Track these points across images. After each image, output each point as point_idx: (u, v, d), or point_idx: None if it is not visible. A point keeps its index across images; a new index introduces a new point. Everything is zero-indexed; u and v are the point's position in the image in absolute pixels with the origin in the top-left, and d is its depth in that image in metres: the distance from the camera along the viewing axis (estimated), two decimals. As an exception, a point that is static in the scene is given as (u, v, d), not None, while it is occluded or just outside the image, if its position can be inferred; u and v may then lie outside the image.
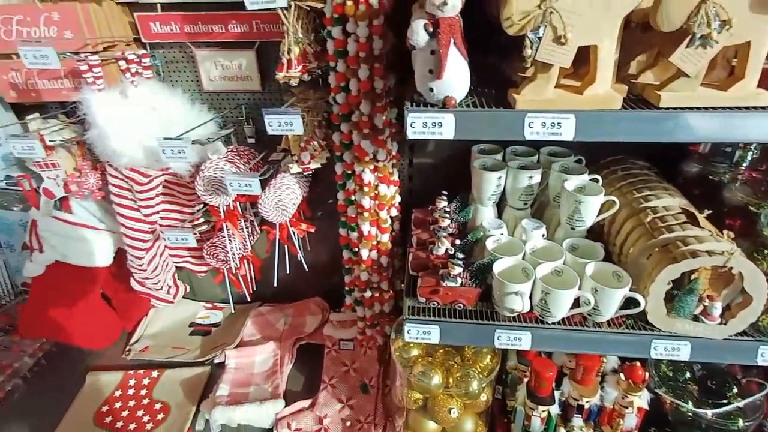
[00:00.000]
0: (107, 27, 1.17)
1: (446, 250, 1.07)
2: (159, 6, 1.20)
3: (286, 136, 1.19)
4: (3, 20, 1.12)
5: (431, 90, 0.75)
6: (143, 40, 1.24)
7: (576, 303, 0.93)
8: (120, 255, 1.41)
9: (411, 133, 0.75)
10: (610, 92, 0.74)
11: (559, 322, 0.96)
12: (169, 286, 1.46)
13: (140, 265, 1.29)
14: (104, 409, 1.31)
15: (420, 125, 0.75)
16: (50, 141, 1.16)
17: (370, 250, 1.20)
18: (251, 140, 1.37)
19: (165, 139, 0.99)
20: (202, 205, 1.38)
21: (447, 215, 1.14)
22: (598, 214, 1.02)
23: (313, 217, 1.44)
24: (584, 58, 0.73)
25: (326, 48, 1.01)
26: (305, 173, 1.16)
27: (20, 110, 1.37)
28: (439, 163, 1.39)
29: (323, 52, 1.07)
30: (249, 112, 1.35)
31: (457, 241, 1.08)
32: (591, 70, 0.73)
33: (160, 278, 1.38)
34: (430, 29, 0.71)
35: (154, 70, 1.28)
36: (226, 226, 1.23)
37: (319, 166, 1.16)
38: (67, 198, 1.31)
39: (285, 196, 1.19)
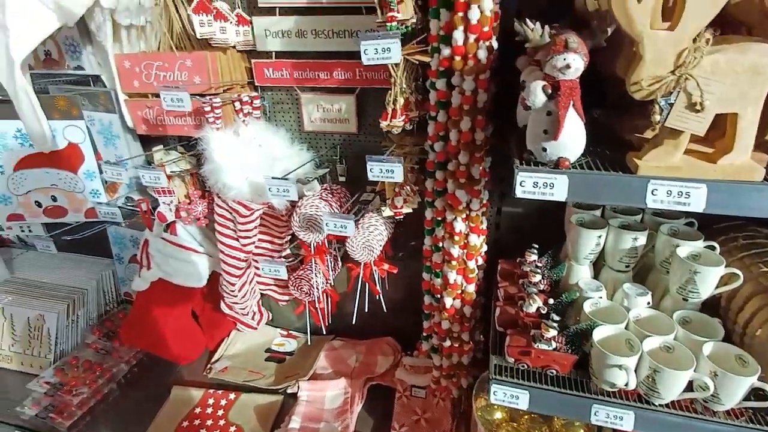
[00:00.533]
0: (228, 72, 1.29)
1: (538, 308, 1.02)
2: (274, 54, 1.31)
3: (382, 179, 1.22)
4: (146, 65, 1.28)
5: (544, 150, 0.74)
6: (256, 84, 1.36)
7: (689, 386, 0.83)
8: (211, 277, 1.51)
9: (520, 192, 0.74)
10: (749, 162, 0.68)
11: (667, 405, 0.86)
12: (254, 312, 1.53)
13: (232, 291, 1.36)
14: (185, 424, 1.38)
15: (530, 185, 0.73)
16: (170, 171, 1.29)
17: (454, 299, 1.17)
18: (342, 178, 1.43)
19: (273, 178, 1.06)
20: (290, 236, 1.46)
21: (538, 270, 1.10)
22: (716, 287, 0.92)
23: (394, 257, 1.45)
24: (717, 121, 0.68)
25: (426, 97, 1.04)
26: (396, 217, 1.18)
27: (144, 141, 1.55)
28: (529, 212, 1.34)
29: (423, 101, 1.10)
30: (343, 153, 1.41)
31: (551, 301, 1.03)
32: (727, 137, 0.67)
33: (247, 304, 1.46)
34: (549, 91, 0.70)
35: (262, 110, 1.39)
36: (314, 261, 1.28)
37: (411, 210, 1.17)
38: (174, 221, 1.43)
39: (372, 237, 1.21)
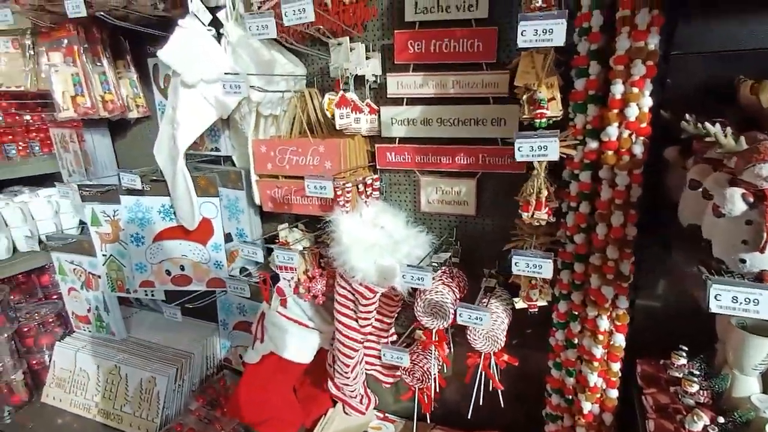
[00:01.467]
0: (355, 157, 1.36)
1: (705, 427, 0.89)
2: (397, 140, 1.37)
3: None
4: (280, 150, 1.39)
5: (742, 261, 0.67)
6: (377, 167, 1.42)
7: None
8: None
9: (715, 307, 0.67)
10: None
11: None
12: (362, 396, 1.49)
13: (345, 372, 1.34)
14: None
15: (727, 300, 0.66)
16: (293, 248, 1.34)
17: (593, 404, 1.06)
18: (455, 259, 1.41)
19: (408, 265, 1.06)
20: (396, 316, 1.43)
21: (695, 379, 0.97)
22: None
23: (508, 345, 1.36)
24: None
25: (563, 187, 1.01)
26: (530, 310, 1.12)
27: (266, 217, 1.65)
28: (669, 306, 1.23)
29: (559, 191, 1.08)
30: (458, 234, 1.40)
31: (720, 419, 0.90)
32: None
33: (357, 386, 1.42)
34: (751, 200, 0.64)
35: (380, 191, 1.43)
36: (433, 348, 1.23)
37: (545, 303, 1.11)
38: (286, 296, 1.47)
39: (497, 327, 1.15)
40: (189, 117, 1.23)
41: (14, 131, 1.85)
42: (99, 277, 1.86)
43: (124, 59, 1.72)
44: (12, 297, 2.03)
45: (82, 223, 2.07)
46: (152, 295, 1.74)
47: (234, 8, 1.36)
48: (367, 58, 1.29)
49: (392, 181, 1.46)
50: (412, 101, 1.32)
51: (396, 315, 1.45)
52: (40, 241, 1.95)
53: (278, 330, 1.46)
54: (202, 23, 1.24)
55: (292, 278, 1.39)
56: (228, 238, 1.60)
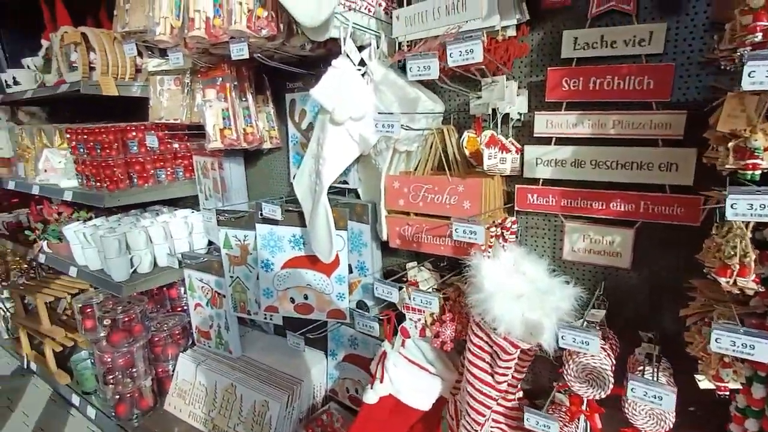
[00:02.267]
0: (493, 197, 1.29)
1: None
2: (541, 181, 1.28)
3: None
4: (414, 187, 1.36)
5: None
6: (516, 208, 1.33)
7: None
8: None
9: None
10: None
11: None
12: (487, 456, 1.37)
13: (475, 429, 1.24)
14: None
15: None
16: (429, 290, 1.29)
17: None
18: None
19: (569, 325, 0.95)
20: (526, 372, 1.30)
21: None
22: None
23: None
24: None
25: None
26: (719, 393, 0.94)
27: (386, 251, 1.63)
28: None
29: (762, 254, 0.91)
30: (607, 289, 1.26)
31: None
32: None
33: (483, 446, 1.31)
34: None
35: (516, 234, 1.34)
36: (583, 419, 1.09)
37: (740, 387, 0.93)
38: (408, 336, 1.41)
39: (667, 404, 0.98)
40: (335, 153, 1.26)
41: (165, 158, 2.06)
42: (224, 296, 1.97)
43: (264, 95, 1.85)
44: (147, 307, 2.22)
45: (209, 243, 2.23)
46: (271, 319, 1.79)
47: (378, 47, 1.39)
48: (514, 95, 1.23)
49: (529, 225, 1.36)
50: (563, 141, 1.23)
51: (526, 371, 1.32)
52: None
53: (399, 372, 1.40)
54: (353, 63, 1.28)
55: (419, 320, 1.34)
56: (348, 269, 1.60)
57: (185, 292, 2.32)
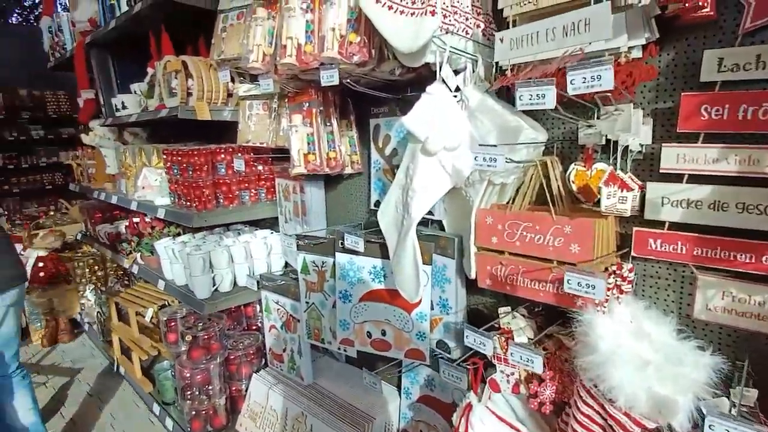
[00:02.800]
0: (606, 241, 1.12)
1: None
2: (666, 224, 1.09)
3: None
4: (511, 224, 1.22)
5: None
6: (632, 254, 1.15)
7: None
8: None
9: None
10: None
11: None
12: None
13: None
14: None
15: None
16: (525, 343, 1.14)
17: None
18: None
19: (723, 415, 0.76)
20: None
21: None
22: None
23: None
24: None
25: None
26: None
27: (471, 289, 1.50)
28: None
29: None
30: (755, 361, 1.03)
31: None
32: None
33: None
34: None
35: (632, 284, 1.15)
36: None
37: None
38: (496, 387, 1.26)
39: None
40: (426, 185, 1.17)
41: (249, 180, 2.10)
42: (298, 321, 1.94)
43: (348, 119, 1.82)
44: (225, 324, 2.26)
45: (286, 265, 2.23)
46: (345, 351, 1.72)
47: (474, 71, 1.29)
48: (636, 124, 1.07)
49: (648, 274, 1.17)
50: (697, 178, 1.03)
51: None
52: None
53: (486, 429, 1.25)
54: (449, 89, 1.19)
55: (513, 374, 1.19)
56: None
57: (261, 312, 2.35)
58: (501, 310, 1.29)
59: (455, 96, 1.19)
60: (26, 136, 6.91)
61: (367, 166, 1.82)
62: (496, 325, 1.28)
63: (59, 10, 3.12)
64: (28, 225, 3.99)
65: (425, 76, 1.47)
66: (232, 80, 1.99)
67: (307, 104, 1.69)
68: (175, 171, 2.06)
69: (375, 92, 1.56)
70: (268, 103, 1.88)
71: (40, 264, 3.36)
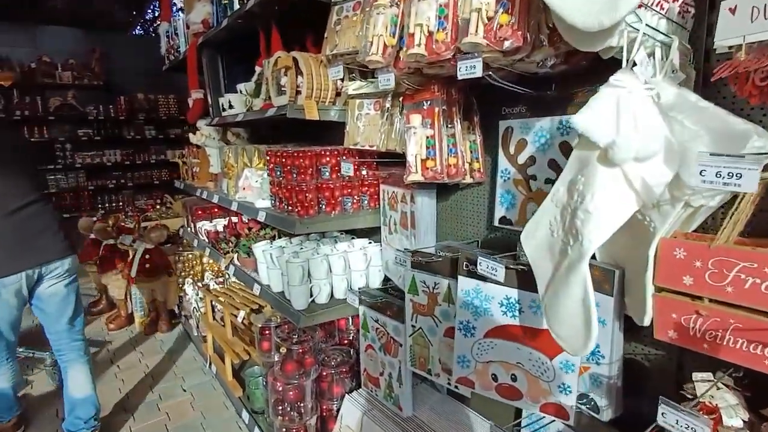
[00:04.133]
0: None
1: None
2: None
3: None
4: (719, 262, 0.90)
5: None
6: None
7: None
8: None
9: None
10: None
11: None
12: None
13: None
14: None
15: None
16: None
17: None
18: None
19: None
20: None
21: None
22: None
23: None
24: None
25: None
26: None
27: (631, 333, 1.19)
28: None
29: None
30: None
31: None
32: None
33: None
34: None
35: None
36: None
37: None
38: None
39: None
40: (607, 205, 0.89)
41: (353, 185, 1.95)
42: (401, 345, 1.74)
43: (470, 121, 1.58)
44: (319, 338, 2.13)
45: (385, 279, 2.05)
46: (455, 387, 1.48)
47: (665, 58, 0.99)
48: None
49: None
50: None
51: None
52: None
53: None
54: (639, 80, 0.90)
55: (719, 470, 0.86)
56: (574, 352, 1.19)
57: (353, 327, 2.19)
58: (697, 376, 0.97)
59: (651, 89, 0.90)
60: (141, 135, 7.59)
61: (492, 175, 1.57)
62: (689, 395, 0.96)
63: (176, 13, 3.26)
64: (137, 217, 4.27)
65: (584, 66, 1.20)
66: (342, 78, 1.85)
67: (428, 103, 1.48)
68: (278, 173, 1.96)
69: (518, 88, 1.31)
70: (381, 102, 1.70)
71: (147, 256, 3.54)
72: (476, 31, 1.09)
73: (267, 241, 2.28)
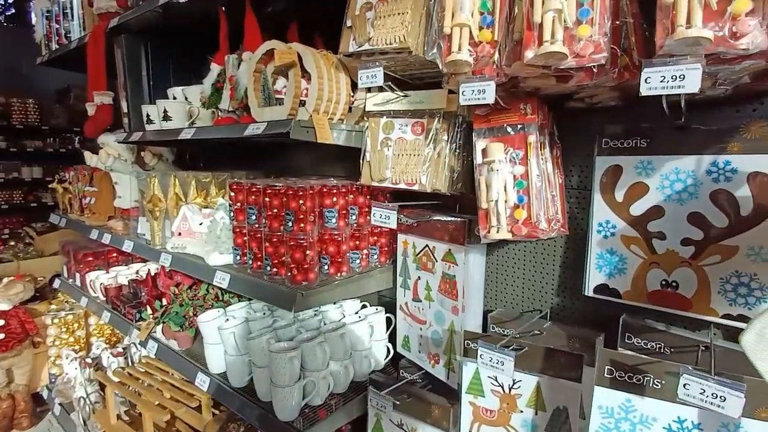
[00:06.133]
0: None
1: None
2: None
3: None
4: None
5: None
6: None
7: None
8: None
9: None
10: None
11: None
12: None
13: None
14: None
15: None
16: None
17: None
18: None
19: None
20: None
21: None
22: None
23: None
24: None
25: None
26: None
27: None
28: None
29: None
30: None
31: None
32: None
33: None
34: None
35: None
36: None
37: None
38: None
39: None
40: None
41: (361, 235, 1.41)
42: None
43: (553, 155, 1.18)
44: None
45: (396, 355, 1.52)
46: None
47: None
48: None
49: None
50: None
51: None
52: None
53: None
54: None
55: None
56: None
57: None
58: None
59: None
60: (-18, 146, 5.94)
61: (586, 228, 1.18)
62: None
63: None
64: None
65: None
66: (354, 87, 1.34)
67: (518, 128, 1.05)
68: (254, 217, 1.34)
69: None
70: (424, 124, 1.22)
71: (1, 322, 2.46)
72: (695, 20, 0.69)
73: (218, 310, 1.59)
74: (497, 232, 1.04)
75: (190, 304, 1.78)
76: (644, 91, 0.75)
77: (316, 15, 1.55)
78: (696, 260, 1.00)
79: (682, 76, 0.71)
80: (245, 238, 1.41)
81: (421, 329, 1.40)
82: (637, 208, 1.08)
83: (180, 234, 1.68)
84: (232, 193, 1.41)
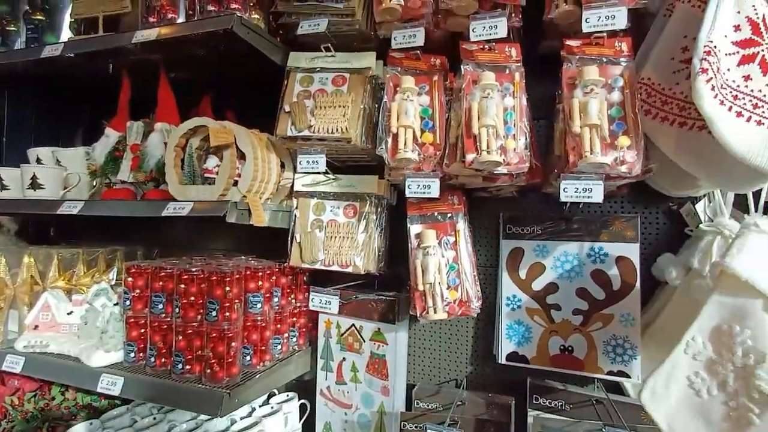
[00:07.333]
0: None
1: None
2: None
3: None
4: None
5: None
6: None
7: None
8: None
9: None
10: None
11: None
12: None
13: None
14: None
15: None
16: None
17: None
18: None
19: None
20: None
21: None
22: None
23: None
24: None
25: None
26: None
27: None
28: None
29: None
30: None
31: None
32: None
33: None
34: None
35: None
36: None
37: None
38: None
39: None
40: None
41: (282, 317, 1.34)
42: None
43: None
44: None
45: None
46: None
47: None
48: None
49: None
50: None
51: None
52: None
53: None
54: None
55: None
56: None
57: None
58: None
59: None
60: None
61: (493, 302, 1.33)
62: None
63: None
64: None
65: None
66: (282, 166, 1.33)
67: (449, 216, 1.18)
68: (159, 306, 1.17)
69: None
70: (356, 207, 1.27)
71: None
72: (593, 149, 0.91)
73: (90, 423, 1.28)
74: (434, 312, 1.12)
75: (39, 417, 1.39)
76: (563, 197, 0.94)
77: (227, 89, 1.53)
78: (585, 327, 1.23)
79: (590, 189, 0.92)
80: (143, 330, 1.21)
81: (346, 414, 1.36)
82: (537, 284, 1.28)
83: (36, 328, 1.34)
84: (130, 279, 1.21)
